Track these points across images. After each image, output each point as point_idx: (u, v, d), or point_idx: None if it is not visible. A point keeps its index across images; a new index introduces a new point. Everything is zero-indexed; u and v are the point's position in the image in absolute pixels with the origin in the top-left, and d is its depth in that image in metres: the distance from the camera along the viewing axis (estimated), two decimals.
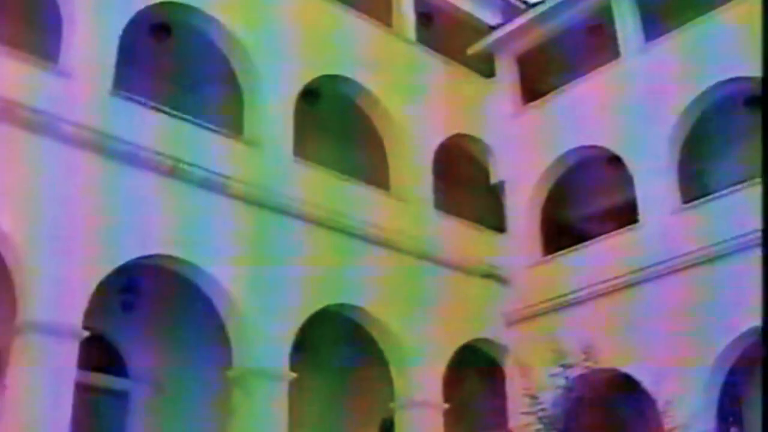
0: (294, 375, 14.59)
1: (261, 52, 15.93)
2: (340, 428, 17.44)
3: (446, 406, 16.50)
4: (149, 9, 14.90)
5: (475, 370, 18.40)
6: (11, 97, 12.78)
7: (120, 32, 14.28)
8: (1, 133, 12.69)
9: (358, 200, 16.53)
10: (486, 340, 17.85)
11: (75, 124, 13.28)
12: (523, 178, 18.87)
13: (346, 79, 17.27)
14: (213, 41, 15.85)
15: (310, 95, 16.84)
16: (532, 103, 19.58)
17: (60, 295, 12.69)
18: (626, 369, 15.92)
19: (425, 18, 19.58)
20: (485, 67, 20.13)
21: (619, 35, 18.25)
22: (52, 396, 12.24)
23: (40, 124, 12.99)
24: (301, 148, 16.03)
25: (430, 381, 16.47)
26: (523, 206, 18.72)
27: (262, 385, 14.40)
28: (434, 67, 19.15)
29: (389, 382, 16.33)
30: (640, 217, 16.93)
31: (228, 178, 14.68)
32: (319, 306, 15.30)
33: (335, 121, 18.07)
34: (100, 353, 14.77)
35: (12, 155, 12.76)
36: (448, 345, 16.96)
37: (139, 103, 14.26)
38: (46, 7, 14.30)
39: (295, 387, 14.63)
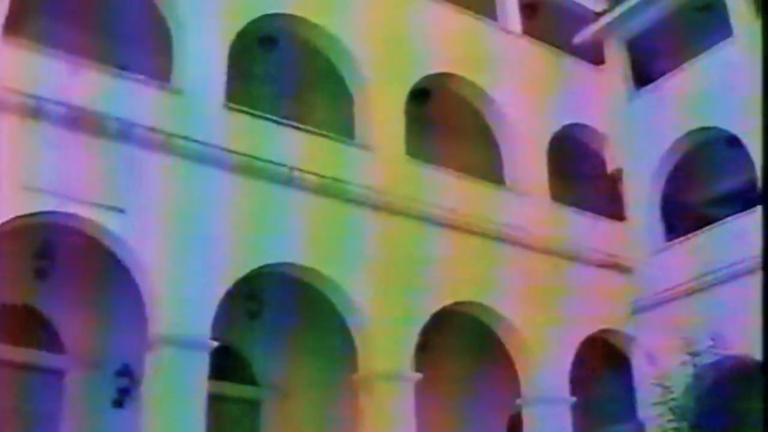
0: (419, 376, 14.61)
1: (367, 56, 16.00)
2: (467, 427, 17.40)
3: (573, 399, 16.31)
4: (256, 21, 15.09)
5: (602, 362, 18.14)
6: (130, 117, 13.16)
7: (229, 46, 14.54)
8: (126, 154, 13.08)
9: (474, 198, 16.45)
10: (611, 331, 17.57)
11: (192, 140, 13.56)
12: (640, 165, 18.51)
13: (454, 77, 17.23)
14: (319, 49, 15.98)
15: (419, 95, 16.85)
16: (644, 88, 19.20)
17: (188, 307, 12.98)
18: (758, 355, 15.45)
19: (529, 9, 19.39)
20: (593, 55, 19.82)
21: (731, 13, 17.75)
22: (186, 407, 12.55)
23: (160, 142, 13.30)
24: (413, 148, 16.04)
25: (556, 375, 16.30)
26: (642, 193, 18.37)
27: (388, 388, 14.44)
28: (542, 58, 18.95)
29: (515, 378, 16.22)
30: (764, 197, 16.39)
31: (345, 183, 14.78)
32: (441, 305, 15.26)
33: (446, 119, 18.04)
34: (229, 363, 15.07)
35: (138, 175, 13.12)
36: (573, 338, 16.75)
37: (253, 114, 14.47)
38: (153, 27, 14.71)
39: (420, 388, 14.63)
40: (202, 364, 12.82)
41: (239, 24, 14.77)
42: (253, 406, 16.00)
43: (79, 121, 12.80)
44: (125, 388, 14.62)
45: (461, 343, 17.19)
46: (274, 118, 14.70)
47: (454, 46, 17.38)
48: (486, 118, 17.71)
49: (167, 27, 14.46)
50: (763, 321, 10.14)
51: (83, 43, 14.47)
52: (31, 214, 12.29)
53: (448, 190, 16.16)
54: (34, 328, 14.51)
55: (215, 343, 12.97)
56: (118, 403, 14.66)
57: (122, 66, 13.91)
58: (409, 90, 16.39)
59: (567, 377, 16.32)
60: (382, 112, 15.91)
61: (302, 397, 15.99)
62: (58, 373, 14.52)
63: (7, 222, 12.09)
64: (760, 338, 7.72)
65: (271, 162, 14.16)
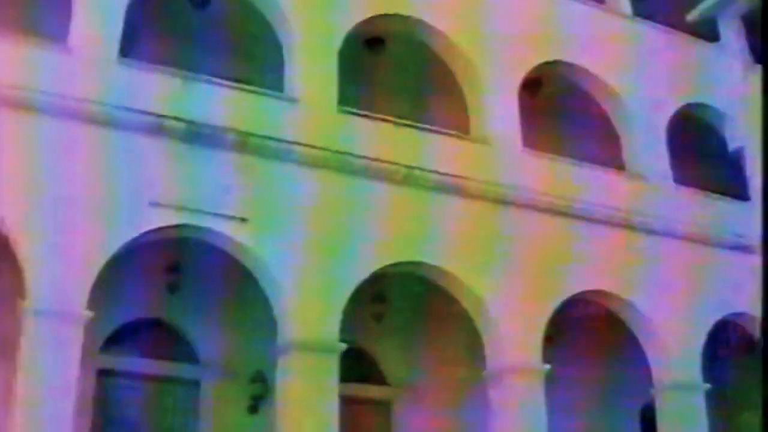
0: (548, 367, 14.48)
1: (478, 51, 15.89)
2: (599, 417, 17.16)
3: (707, 386, 15.94)
4: (364, 23, 15.16)
5: (734, 347, 17.68)
6: (247, 129, 13.42)
7: (338, 50, 14.65)
8: (245, 164, 13.31)
9: (594, 184, 16.17)
10: (742, 314, 17.08)
11: (307, 146, 13.71)
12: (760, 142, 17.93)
13: (566, 64, 16.99)
14: (428, 47, 15.96)
15: (531, 84, 16.69)
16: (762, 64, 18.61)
17: (316, 311, 13.12)
18: None
19: None
20: (708, 32, 19.30)
21: None
22: (319, 410, 12.67)
23: (277, 150, 13.50)
24: (528, 139, 15.89)
25: (688, 362, 15.88)
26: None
27: (518, 382, 14.32)
28: (654, 38, 18.52)
29: (646, 367, 15.91)
30: None
31: (461, 178, 14.72)
32: (566, 296, 15.08)
33: (560, 108, 17.82)
34: (358, 364, 15.19)
35: (257, 183, 13.40)
36: (703, 323, 16.28)
37: (365, 116, 14.55)
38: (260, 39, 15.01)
39: (550, 380, 14.49)
40: (332, 367, 12.94)
41: (347, 27, 14.86)
42: (384, 406, 16.10)
43: (198, 134, 13.09)
44: (259, 395, 14.88)
45: (589, 334, 16.93)
46: (390, 118, 14.76)
47: (565, 32, 17.12)
48: (601, 104, 17.42)
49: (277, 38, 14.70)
50: (763, 319, 9.83)
51: (195, 58, 14.84)
52: (158, 229, 12.61)
53: (565, 178, 15.93)
54: (168, 340, 14.91)
55: (344, 346, 13.08)
56: (253, 409, 14.93)
57: (236, 79, 14.14)
58: (521, 81, 16.22)
59: (700, 363, 15.92)
60: (497, 105, 15.79)
61: (432, 396, 16.01)
62: (193, 384, 14.87)
63: (137, 238, 12.45)
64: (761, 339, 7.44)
65: (388, 162, 14.22)
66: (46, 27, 13.60)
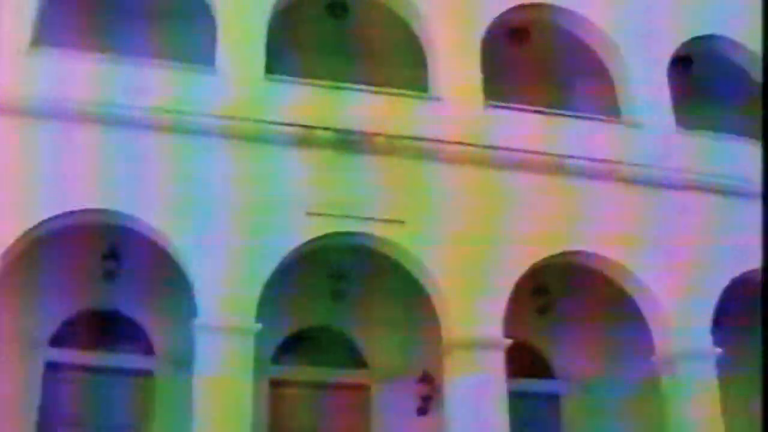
0: (719, 351, 14.00)
1: (623, 33, 15.53)
2: None
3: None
4: (505, 14, 15.05)
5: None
6: (393, 131, 13.54)
7: (480, 45, 14.59)
8: (390, 164, 13.41)
9: (750, 160, 15.55)
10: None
11: (456, 143, 13.70)
12: None
13: (717, 38, 16.41)
14: (572, 34, 15.72)
15: (681, 62, 16.20)
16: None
17: (478, 308, 13.09)
18: None
19: None
20: None
21: None
22: (488, 407, 12.63)
23: (426, 149, 13.58)
24: (680, 118, 15.43)
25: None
26: None
27: (690, 367, 13.88)
28: None
29: None
30: None
31: (613, 163, 14.37)
32: (729, 278, 14.53)
33: (711, 84, 17.23)
34: (525, 359, 15.06)
35: (409, 185, 13.46)
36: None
37: (512, 109, 14.42)
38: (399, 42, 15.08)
39: (722, 364, 13.99)
40: (498, 363, 12.87)
41: (487, 20, 14.78)
42: (553, 400, 15.90)
43: (347, 142, 13.28)
44: (427, 395, 14.93)
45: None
46: (539, 108, 14.59)
47: (712, 6, 16.52)
48: (753, 77, 16.71)
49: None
50: (763, 321, 9.19)
51: (336, 67, 15.09)
52: (318, 238, 12.86)
53: (720, 156, 15.24)
54: (336, 347, 15.16)
55: (509, 341, 13.00)
56: (422, 411, 14.98)
57: (378, 83, 14.24)
58: (670, 60, 15.76)
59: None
60: (646, 86, 15.40)
61: (602, 388, 15.68)
62: (362, 388, 15.03)
63: (298, 249, 12.74)
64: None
65: (539, 153, 14.03)
66: (196, 52, 14.01)
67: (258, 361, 12.31)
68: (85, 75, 12.95)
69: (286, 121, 13.12)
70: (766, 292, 6.95)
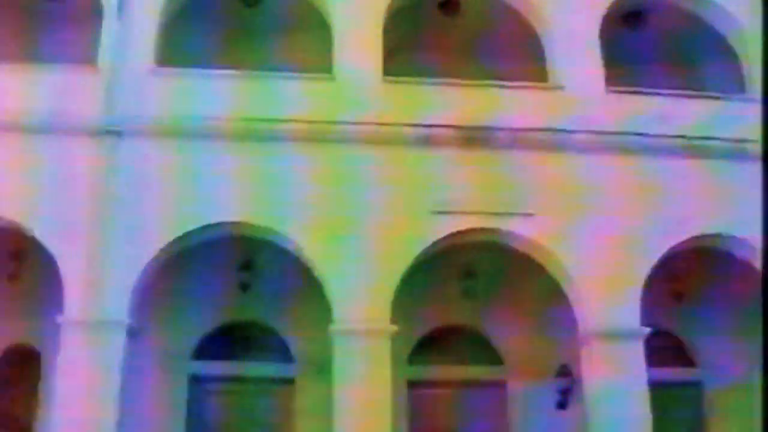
0: None
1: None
2: None
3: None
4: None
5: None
6: (516, 124, 13.46)
7: (598, 30, 14.37)
8: (516, 157, 13.33)
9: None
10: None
11: (581, 132, 13.53)
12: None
13: None
14: (694, 14, 15.33)
15: None
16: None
17: (614, 298, 12.85)
18: None
19: None
20: None
21: None
22: (628, 397, 12.44)
23: (551, 140, 13.42)
24: None
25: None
26: None
27: None
28: None
29: None
30: None
31: (749, 142, 13.77)
32: None
33: None
34: (665, 348, 14.75)
35: (534, 177, 13.33)
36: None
37: (637, 93, 14.11)
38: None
39: None
40: (637, 352, 12.64)
41: (604, 5, 14.55)
42: (695, 388, 15.50)
43: (469, 137, 13.26)
44: (566, 389, 14.76)
45: None
46: (664, 92, 14.24)
47: None
48: None
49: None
50: (763, 318, 8.67)
51: (452, 64, 15.09)
52: (449, 236, 12.88)
53: None
54: (471, 346, 15.15)
55: (647, 330, 12.76)
56: (562, 405, 14.82)
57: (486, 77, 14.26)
58: None
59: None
60: None
61: (745, 379, 15.19)
62: (499, 385, 14.96)
63: (429, 248, 12.82)
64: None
65: (671, 136, 13.66)
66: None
67: (395, 362, 12.36)
68: (217, 91, 13.35)
69: (408, 121, 13.19)
70: (766, 290, 6.72)
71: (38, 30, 15.31)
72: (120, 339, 12.10)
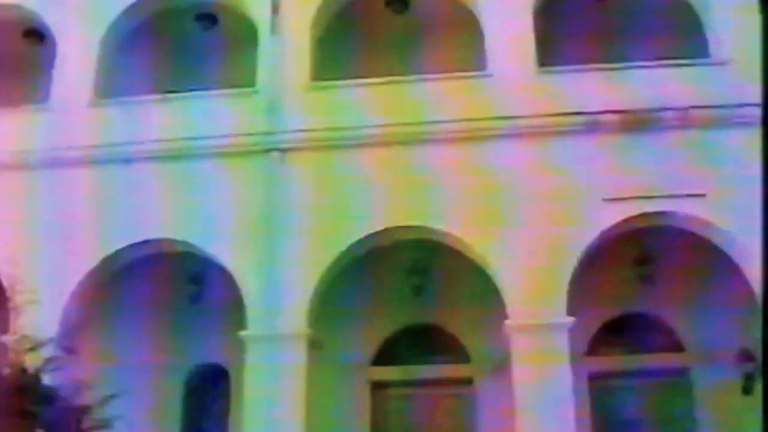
0: None
1: None
2: None
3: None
4: None
5: None
6: (682, 103, 13.07)
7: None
8: (682, 138, 12.96)
9: None
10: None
11: (744, 105, 12.84)
12: None
13: None
14: None
15: None
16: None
17: None
18: None
19: None
20: None
21: None
22: None
23: (716, 117, 12.94)
24: None
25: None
26: None
27: None
28: None
29: None
30: None
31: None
32: None
33: None
34: None
35: (706, 155, 12.93)
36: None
37: None
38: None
39: None
40: None
41: None
42: None
43: (633, 122, 12.98)
44: (750, 373, 14.24)
45: None
46: None
47: None
48: None
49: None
50: (763, 321, 7.90)
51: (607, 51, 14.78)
52: (619, 224, 12.64)
53: None
54: (651, 332, 14.76)
55: None
56: (747, 390, 14.30)
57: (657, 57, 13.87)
58: None
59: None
60: None
61: None
62: (681, 372, 14.56)
63: (600, 236, 12.59)
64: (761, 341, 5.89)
65: None
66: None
67: (573, 355, 12.21)
68: (373, 100, 13.61)
69: (568, 110, 13.00)
70: (766, 289, 6.34)
71: (193, 58, 15.87)
72: (302, 350, 12.43)
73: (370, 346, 14.69)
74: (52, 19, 14.85)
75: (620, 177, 12.80)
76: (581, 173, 12.86)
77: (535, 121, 13.02)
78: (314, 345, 12.61)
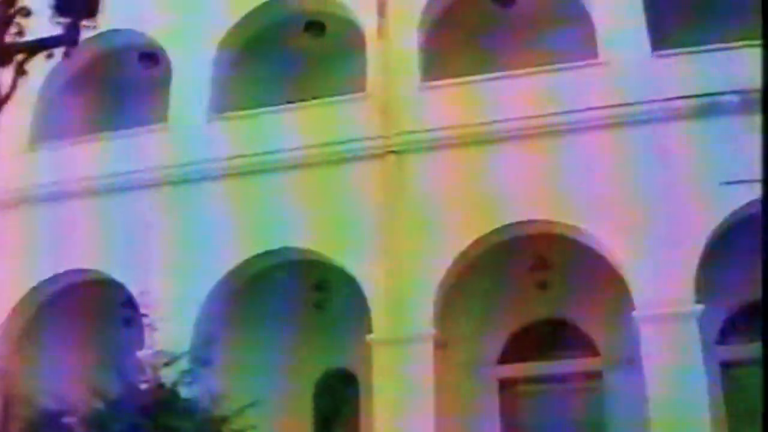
0: None
1: None
2: None
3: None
4: None
5: None
6: None
7: None
8: None
9: None
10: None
11: None
12: None
13: None
14: None
15: None
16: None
17: None
18: None
19: None
20: None
21: None
22: None
23: None
24: None
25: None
26: None
27: None
28: None
29: None
30: None
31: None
32: None
33: None
34: None
35: None
36: None
37: None
38: None
39: None
40: None
41: None
42: None
43: (752, 102, 12.55)
44: None
45: None
46: None
47: None
48: None
49: None
50: (763, 317, 7.36)
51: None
52: (743, 207, 12.24)
53: None
54: None
55: None
56: None
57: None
58: None
59: None
60: None
61: None
62: None
63: (724, 221, 12.29)
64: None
65: None
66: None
67: (704, 344, 11.92)
68: (490, 95, 13.50)
69: (684, 93, 12.66)
70: (766, 286, 6.00)
71: (302, 66, 16.07)
72: (428, 351, 12.46)
73: (495, 344, 14.60)
74: (165, 41, 15.24)
75: (740, 158, 12.34)
76: (698, 157, 12.54)
77: (650, 108, 12.70)
78: (440, 345, 12.62)
